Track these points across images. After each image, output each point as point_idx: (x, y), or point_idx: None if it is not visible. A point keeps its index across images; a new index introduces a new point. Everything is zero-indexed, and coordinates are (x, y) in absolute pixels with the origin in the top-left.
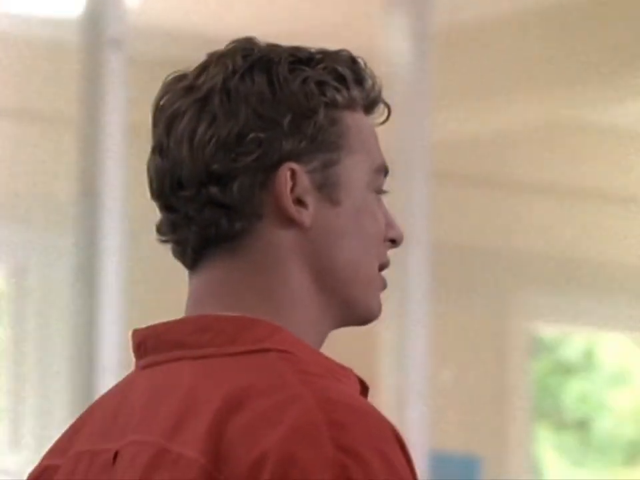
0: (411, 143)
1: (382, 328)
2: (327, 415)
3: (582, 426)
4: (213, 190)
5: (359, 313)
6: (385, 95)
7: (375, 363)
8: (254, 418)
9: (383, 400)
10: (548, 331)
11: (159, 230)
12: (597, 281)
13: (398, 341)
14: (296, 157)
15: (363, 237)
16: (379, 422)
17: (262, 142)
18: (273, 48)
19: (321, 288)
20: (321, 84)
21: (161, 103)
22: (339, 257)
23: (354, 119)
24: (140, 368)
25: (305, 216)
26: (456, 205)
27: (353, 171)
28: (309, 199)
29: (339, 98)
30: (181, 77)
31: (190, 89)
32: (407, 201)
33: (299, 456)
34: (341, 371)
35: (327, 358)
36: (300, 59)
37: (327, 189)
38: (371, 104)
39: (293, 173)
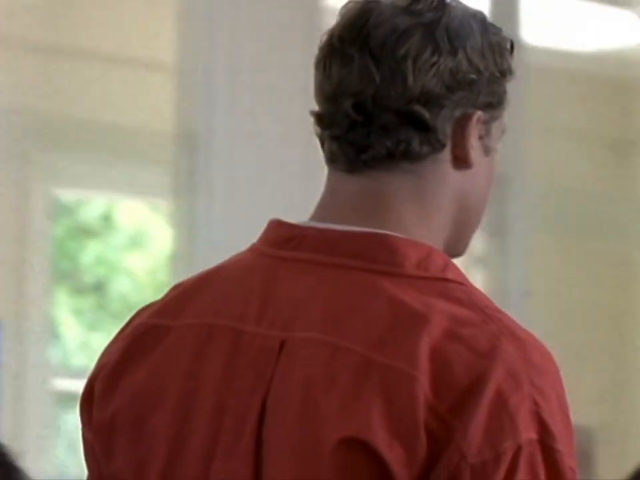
0: None
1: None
2: (522, 354)
3: (99, 289)
4: (420, 109)
5: (459, 250)
6: None
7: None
8: (466, 348)
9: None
10: (67, 194)
11: (322, 122)
12: (116, 146)
13: None
14: (481, 106)
15: (491, 187)
16: (552, 362)
17: (472, 84)
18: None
19: (455, 223)
20: (506, 51)
21: (374, 9)
22: (478, 199)
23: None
24: (281, 259)
25: (474, 158)
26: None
27: (499, 128)
28: (476, 145)
29: (512, 66)
30: None
31: (409, 10)
32: None
33: (504, 387)
34: (491, 303)
35: (480, 291)
36: (489, 21)
37: (486, 140)
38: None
39: (478, 120)
